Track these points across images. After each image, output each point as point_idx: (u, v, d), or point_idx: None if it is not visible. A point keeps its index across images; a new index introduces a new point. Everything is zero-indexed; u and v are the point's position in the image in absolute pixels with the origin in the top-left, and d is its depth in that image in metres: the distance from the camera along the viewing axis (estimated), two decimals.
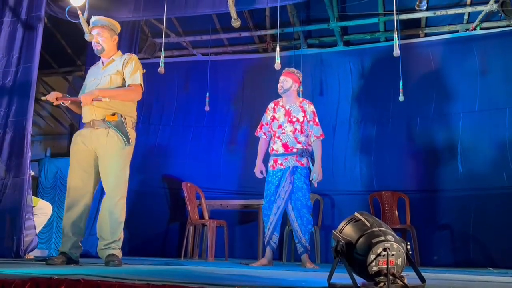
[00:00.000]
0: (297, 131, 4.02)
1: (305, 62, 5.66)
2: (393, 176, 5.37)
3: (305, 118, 4.05)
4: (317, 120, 4.07)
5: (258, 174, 4.15)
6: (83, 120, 3.23)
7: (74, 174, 3.19)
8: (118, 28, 3.37)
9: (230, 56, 6.42)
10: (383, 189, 5.27)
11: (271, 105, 4.21)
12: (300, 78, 4.15)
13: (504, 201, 4.85)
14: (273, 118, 4.14)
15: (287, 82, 4.07)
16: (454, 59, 5.45)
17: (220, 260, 5.01)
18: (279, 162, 4.01)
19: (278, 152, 4.03)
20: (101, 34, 3.25)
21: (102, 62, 3.33)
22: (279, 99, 4.21)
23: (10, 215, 3.64)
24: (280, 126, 4.07)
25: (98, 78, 3.27)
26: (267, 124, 4.19)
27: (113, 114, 3.11)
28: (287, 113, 4.08)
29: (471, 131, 5.20)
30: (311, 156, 4.02)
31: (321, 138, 4.04)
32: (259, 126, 4.25)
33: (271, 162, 4.07)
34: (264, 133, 4.21)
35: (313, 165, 3.98)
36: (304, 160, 3.98)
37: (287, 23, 5.74)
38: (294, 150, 3.99)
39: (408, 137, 5.49)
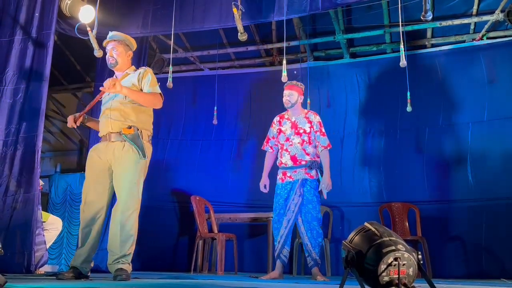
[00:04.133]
0: (305, 143, 4.02)
1: (311, 75, 5.68)
2: (402, 187, 5.34)
3: (312, 129, 4.05)
4: (323, 130, 4.08)
5: (262, 188, 4.14)
6: (100, 134, 3.25)
7: (89, 188, 3.16)
8: (134, 45, 3.41)
9: (237, 70, 6.47)
10: (393, 200, 5.24)
11: (277, 118, 4.23)
12: (303, 89, 4.18)
13: None
14: (280, 131, 4.14)
15: (293, 95, 4.08)
16: (461, 69, 5.44)
17: (230, 273, 4.99)
18: (288, 174, 4.01)
19: (287, 165, 4.03)
20: (115, 48, 3.28)
21: (116, 77, 3.35)
22: (284, 113, 4.22)
23: (21, 230, 3.66)
24: (287, 139, 4.07)
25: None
26: (273, 138, 4.20)
27: (129, 127, 3.11)
28: (294, 125, 4.09)
29: (480, 141, 5.16)
30: (320, 168, 4.01)
31: (328, 148, 4.04)
32: (265, 140, 4.26)
33: (279, 175, 4.07)
34: (271, 147, 4.22)
35: (322, 176, 3.97)
36: (313, 172, 3.98)
37: (293, 36, 5.78)
38: (303, 162, 3.98)
39: (416, 147, 5.46)
